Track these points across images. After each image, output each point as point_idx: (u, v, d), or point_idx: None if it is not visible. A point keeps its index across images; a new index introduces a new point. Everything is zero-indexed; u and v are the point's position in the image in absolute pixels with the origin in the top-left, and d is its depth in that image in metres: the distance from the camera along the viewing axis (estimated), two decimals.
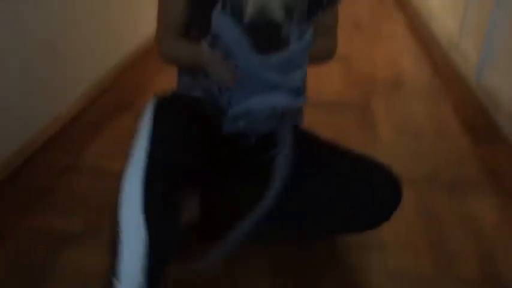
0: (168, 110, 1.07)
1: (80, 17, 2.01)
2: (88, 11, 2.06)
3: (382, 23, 3.87)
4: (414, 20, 3.80)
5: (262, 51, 1.01)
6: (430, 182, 1.74)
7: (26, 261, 1.30)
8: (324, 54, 1.30)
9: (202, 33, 1.08)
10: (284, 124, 1.10)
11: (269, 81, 1.03)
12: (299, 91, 1.09)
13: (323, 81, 2.49)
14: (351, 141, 1.28)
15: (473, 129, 2.13)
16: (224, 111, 1.07)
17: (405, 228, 1.48)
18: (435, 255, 1.38)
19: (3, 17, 1.54)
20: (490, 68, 2.27)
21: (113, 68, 2.34)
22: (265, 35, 1.01)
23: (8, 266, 1.28)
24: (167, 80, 1.46)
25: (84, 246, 1.36)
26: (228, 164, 1.26)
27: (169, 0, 1.21)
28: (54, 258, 1.31)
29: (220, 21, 1.03)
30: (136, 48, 2.57)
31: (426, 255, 1.38)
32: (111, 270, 0.97)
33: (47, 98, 1.85)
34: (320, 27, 1.19)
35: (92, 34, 2.12)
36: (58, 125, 1.91)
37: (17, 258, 1.31)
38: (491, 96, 2.19)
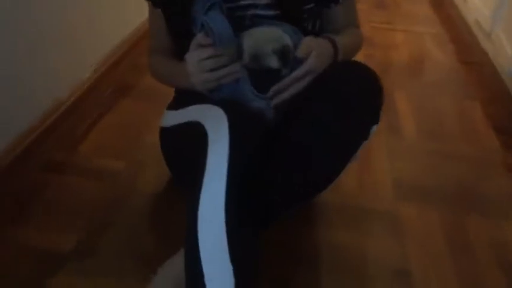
0: (244, 130, 1.02)
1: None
2: None
3: (404, 0, 3.62)
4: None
5: (261, 90, 1.08)
6: (457, 200, 1.57)
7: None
8: (356, 50, 1.29)
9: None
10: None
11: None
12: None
13: None
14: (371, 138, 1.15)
15: (505, 134, 1.94)
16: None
17: (432, 260, 1.32)
18: None
19: None
20: None
21: (110, 51, 2.14)
22: (263, 78, 1.06)
23: None
24: None
25: (76, 271, 1.21)
26: None
27: (154, 24, 1.27)
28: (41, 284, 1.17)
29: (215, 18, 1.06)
30: (137, 29, 2.36)
31: None
32: None
33: (32, 90, 1.67)
34: (342, 21, 1.24)
35: (89, 14, 1.92)
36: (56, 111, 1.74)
37: None
38: None
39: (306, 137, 1.04)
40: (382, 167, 1.69)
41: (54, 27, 1.68)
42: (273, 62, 1.06)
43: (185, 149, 1.14)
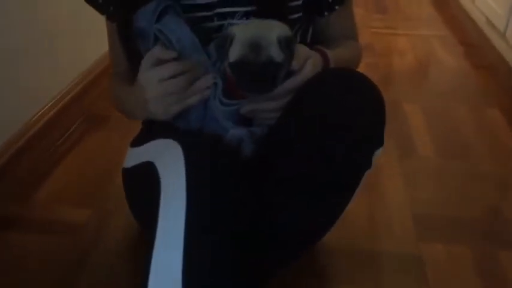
0: (203, 160, 0.78)
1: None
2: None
3: (405, 2, 3.36)
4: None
5: (253, 92, 0.85)
6: (491, 232, 1.30)
7: None
8: (355, 63, 1.08)
9: None
10: None
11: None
12: None
13: None
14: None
15: None
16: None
17: None
18: None
19: None
20: None
21: (79, 77, 1.89)
22: (258, 77, 0.81)
23: None
24: None
25: None
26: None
27: (111, 42, 1.03)
28: None
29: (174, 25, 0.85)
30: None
31: None
32: None
33: None
34: (337, 32, 1.04)
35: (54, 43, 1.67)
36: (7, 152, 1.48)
37: None
38: None
39: (293, 178, 0.81)
40: (397, 198, 1.42)
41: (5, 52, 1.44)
42: (277, 54, 0.80)
43: (139, 198, 0.89)
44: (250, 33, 0.81)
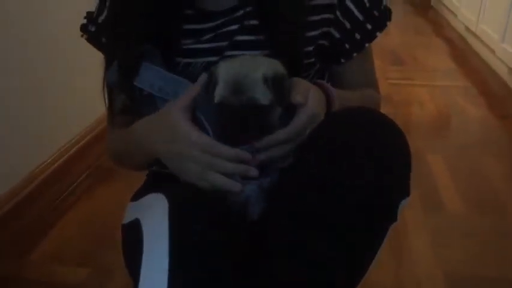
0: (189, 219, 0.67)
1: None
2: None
3: (422, 54, 3.32)
4: (462, 50, 3.26)
5: (235, 141, 0.71)
6: None
7: None
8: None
9: None
10: None
11: None
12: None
13: None
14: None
15: None
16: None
17: None
18: None
19: None
20: None
21: (86, 128, 1.83)
22: (240, 122, 0.70)
23: None
24: None
25: None
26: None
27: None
28: None
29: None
30: None
31: None
32: None
33: None
34: (356, 78, 0.93)
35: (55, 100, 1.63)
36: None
37: None
38: None
39: (306, 236, 0.69)
40: (425, 256, 1.29)
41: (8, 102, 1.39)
42: (263, 95, 0.69)
43: (128, 258, 0.79)
44: (233, 71, 0.70)
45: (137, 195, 0.92)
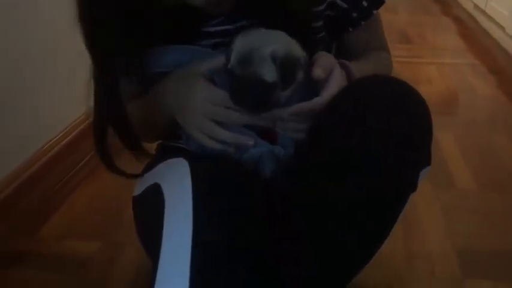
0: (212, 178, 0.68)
1: None
2: None
3: (431, 33, 3.28)
4: (471, 28, 3.22)
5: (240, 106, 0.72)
6: None
7: None
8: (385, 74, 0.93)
9: None
10: None
11: None
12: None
13: None
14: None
15: None
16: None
17: None
18: None
19: None
20: None
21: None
22: (243, 94, 0.70)
23: None
24: None
25: None
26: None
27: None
28: None
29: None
30: None
31: None
32: None
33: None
34: (365, 44, 0.93)
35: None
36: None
37: None
38: None
39: (327, 195, 0.68)
40: (437, 231, 1.28)
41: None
42: (268, 72, 0.68)
43: (145, 225, 0.79)
44: (246, 43, 0.71)
45: (148, 167, 0.92)
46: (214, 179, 0.65)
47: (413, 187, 0.72)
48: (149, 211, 0.75)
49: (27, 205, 1.37)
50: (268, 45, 0.70)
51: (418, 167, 0.71)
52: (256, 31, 0.74)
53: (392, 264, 1.15)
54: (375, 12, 0.90)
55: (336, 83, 0.74)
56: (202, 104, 0.73)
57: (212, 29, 0.81)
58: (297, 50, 0.73)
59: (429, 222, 1.31)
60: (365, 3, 0.88)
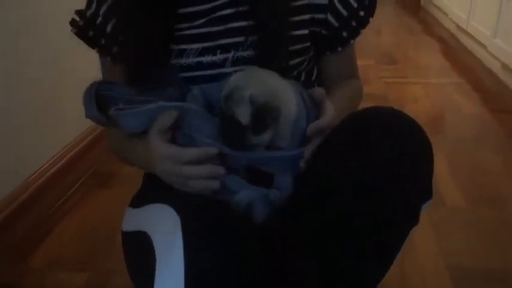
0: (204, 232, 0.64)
1: None
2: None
3: (415, 53, 3.33)
4: (453, 48, 3.28)
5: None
6: None
7: None
8: (357, 104, 0.96)
9: None
10: None
11: None
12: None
13: None
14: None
15: None
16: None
17: None
18: None
19: None
20: None
21: (83, 133, 1.81)
22: (227, 129, 0.71)
23: None
24: None
25: None
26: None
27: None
28: None
29: None
30: None
31: None
32: None
33: None
34: (342, 69, 0.95)
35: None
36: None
37: None
38: None
39: (331, 229, 0.69)
40: (429, 250, 1.28)
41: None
42: (242, 115, 0.69)
43: (136, 266, 0.77)
44: (234, 81, 0.72)
45: (138, 201, 0.89)
46: (204, 229, 0.64)
47: (415, 221, 0.72)
48: (137, 257, 0.74)
49: (14, 236, 1.35)
50: (252, 87, 0.70)
51: (420, 202, 0.71)
52: (251, 69, 0.74)
53: (385, 284, 1.14)
54: (362, 31, 0.92)
55: (331, 106, 0.76)
56: (161, 162, 0.73)
57: (190, 10, 0.82)
58: (283, 98, 0.72)
59: (421, 241, 1.31)
60: (354, 23, 0.89)
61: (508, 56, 2.32)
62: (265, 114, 0.70)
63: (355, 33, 0.90)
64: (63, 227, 1.44)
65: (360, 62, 1.00)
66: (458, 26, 3.24)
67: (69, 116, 1.71)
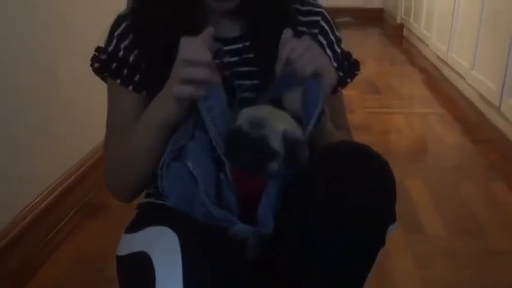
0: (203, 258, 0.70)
1: None
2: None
3: (398, 82, 3.43)
4: (435, 78, 3.38)
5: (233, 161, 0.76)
6: None
7: None
8: None
9: None
10: None
11: None
12: None
13: None
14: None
15: None
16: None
17: None
18: None
19: None
20: None
21: (75, 166, 1.85)
22: (249, 150, 0.74)
23: None
24: None
25: None
26: None
27: (118, 109, 0.92)
28: None
29: None
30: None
31: None
32: None
33: None
34: (334, 117, 0.93)
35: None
36: None
37: None
38: None
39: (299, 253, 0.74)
40: (409, 279, 1.33)
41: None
42: (275, 143, 0.74)
43: None
44: (259, 112, 0.77)
45: (134, 226, 0.93)
46: (204, 249, 0.69)
47: (381, 243, 0.77)
48: (138, 279, 0.77)
49: (5, 270, 1.37)
50: (281, 123, 0.75)
51: (385, 225, 0.77)
52: (263, 106, 0.80)
53: None
54: (357, 72, 0.98)
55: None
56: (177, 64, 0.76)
57: None
58: (300, 132, 0.78)
59: (401, 269, 1.36)
60: (347, 64, 0.96)
61: (486, 88, 2.41)
62: (298, 148, 0.75)
63: (349, 73, 0.97)
64: (54, 261, 1.45)
65: (345, 92, 1.04)
66: (438, 57, 3.35)
67: (62, 149, 1.75)
